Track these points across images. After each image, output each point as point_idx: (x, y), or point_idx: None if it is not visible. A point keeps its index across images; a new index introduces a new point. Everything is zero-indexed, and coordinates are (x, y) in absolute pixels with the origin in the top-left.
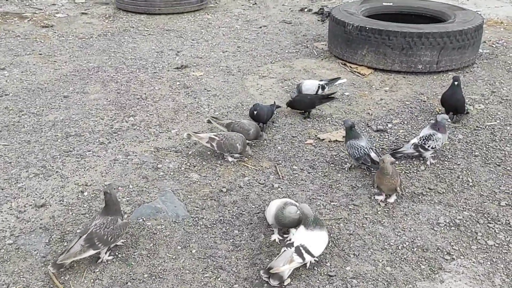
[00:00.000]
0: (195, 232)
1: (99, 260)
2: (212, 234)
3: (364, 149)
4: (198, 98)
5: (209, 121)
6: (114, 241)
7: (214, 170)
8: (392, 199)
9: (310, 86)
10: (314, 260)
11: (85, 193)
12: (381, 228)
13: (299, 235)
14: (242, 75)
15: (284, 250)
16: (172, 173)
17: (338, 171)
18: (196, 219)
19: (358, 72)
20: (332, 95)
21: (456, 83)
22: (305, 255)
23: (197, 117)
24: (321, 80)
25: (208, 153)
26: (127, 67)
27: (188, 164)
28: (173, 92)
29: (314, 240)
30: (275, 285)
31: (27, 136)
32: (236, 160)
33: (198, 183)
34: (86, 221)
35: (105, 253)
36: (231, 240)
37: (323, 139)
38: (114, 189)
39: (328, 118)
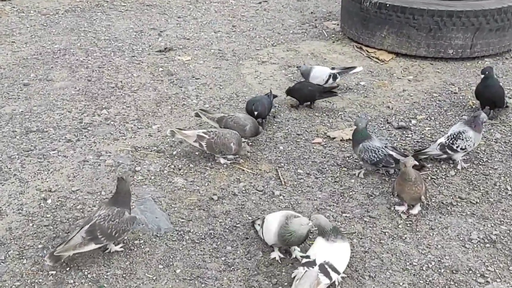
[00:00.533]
0: (180, 248)
1: (107, 251)
2: (200, 250)
3: (382, 150)
4: (184, 87)
5: (197, 115)
6: (119, 236)
7: (203, 174)
8: (415, 210)
9: (319, 74)
10: (341, 278)
11: (49, 201)
12: (402, 245)
13: (319, 250)
14: (238, 60)
15: (305, 271)
16: (153, 177)
17: (351, 176)
18: (181, 232)
19: (376, 58)
20: (335, 91)
21: (484, 75)
22: (332, 273)
23: (183, 110)
24: (333, 68)
25: (196, 153)
26: (99, 49)
27: (172, 166)
28: (155, 80)
29: (338, 254)
30: None
31: None
32: (229, 162)
33: (184, 189)
34: (49, 234)
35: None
36: (222, 258)
37: (334, 138)
38: (130, 176)
39: (340, 113)
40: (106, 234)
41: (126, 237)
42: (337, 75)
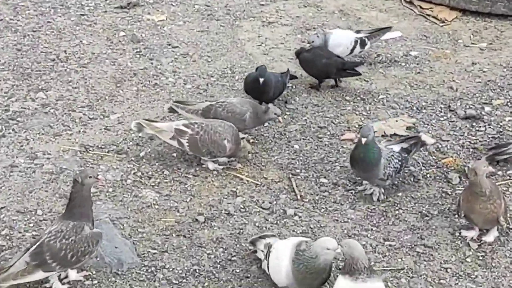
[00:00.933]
0: None
1: (66, 280)
2: None
3: (393, 150)
4: (156, 59)
5: (171, 110)
6: (77, 260)
7: (184, 185)
8: (491, 237)
9: (342, 40)
10: None
11: None
12: (472, 287)
13: None
14: (233, 20)
15: None
16: (111, 190)
17: (398, 187)
18: (153, 269)
19: (434, 17)
20: (358, 69)
21: None
22: None
23: (155, 93)
24: (358, 31)
25: (174, 155)
26: (33, 5)
27: (139, 174)
28: (114, 50)
29: None
30: None
31: None
32: (221, 167)
33: (157, 207)
34: None
35: (61, 276)
36: None
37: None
38: (90, 177)
39: (381, 96)
40: (59, 258)
41: (89, 262)
42: (366, 40)
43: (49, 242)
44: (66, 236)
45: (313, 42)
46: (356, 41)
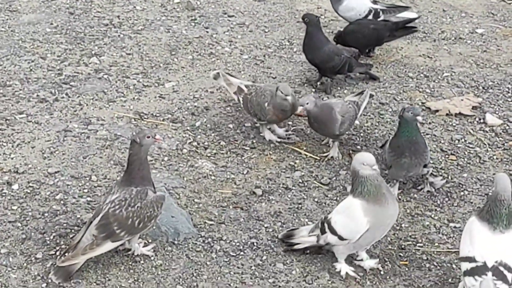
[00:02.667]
0: (208, 263)
1: (131, 251)
2: (238, 267)
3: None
4: (212, 28)
5: (216, 77)
6: (144, 226)
7: (241, 157)
8: None
9: (356, 5)
10: None
11: (15, 186)
12: None
13: (486, 246)
14: None
15: (479, 281)
16: (166, 159)
17: (464, 168)
18: (209, 240)
19: None
20: (414, 24)
21: None
22: (509, 276)
23: (211, 62)
24: (375, 2)
25: (230, 126)
26: None
27: (195, 143)
28: (168, 16)
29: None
30: None
31: None
32: (280, 140)
33: (213, 178)
34: (17, 234)
35: (138, 243)
36: (270, 280)
37: (437, 111)
38: (148, 137)
39: (445, 74)
40: (127, 227)
41: (153, 227)
42: (381, 13)
43: (115, 212)
44: (131, 203)
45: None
46: (370, 11)
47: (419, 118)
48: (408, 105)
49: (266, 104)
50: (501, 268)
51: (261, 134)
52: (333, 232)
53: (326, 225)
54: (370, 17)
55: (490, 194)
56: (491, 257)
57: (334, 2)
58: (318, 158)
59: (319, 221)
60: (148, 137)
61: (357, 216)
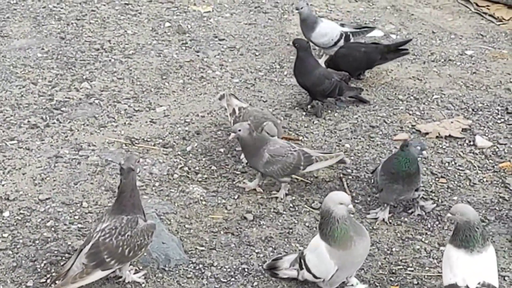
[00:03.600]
0: None
1: (122, 279)
2: None
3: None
4: (203, 52)
5: (221, 97)
6: (134, 255)
7: (232, 182)
8: None
9: (329, 30)
10: None
11: (5, 214)
12: None
13: (466, 270)
14: (282, 13)
15: None
16: (157, 184)
17: (454, 191)
18: (201, 266)
19: (490, 15)
20: (405, 47)
21: None
22: None
23: (201, 86)
24: (343, 25)
25: (221, 150)
26: None
27: (186, 168)
28: (159, 41)
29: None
30: None
31: None
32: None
33: (204, 203)
34: (7, 262)
35: (128, 270)
36: None
37: (427, 133)
38: (138, 162)
39: (435, 96)
40: (117, 255)
41: (144, 255)
42: (351, 36)
43: (105, 241)
44: (121, 232)
45: (302, 8)
46: (341, 35)
47: (425, 153)
48: (413, 138)
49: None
50: None
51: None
52: (308, 270)
53: (302, 261)
54: (341, 41)
55: (459, 223)
56: (473, 280)
57: (306, 31)
58: (309, 182)
59: (298, 254)
60: (137, 161)
61: (324, 258)
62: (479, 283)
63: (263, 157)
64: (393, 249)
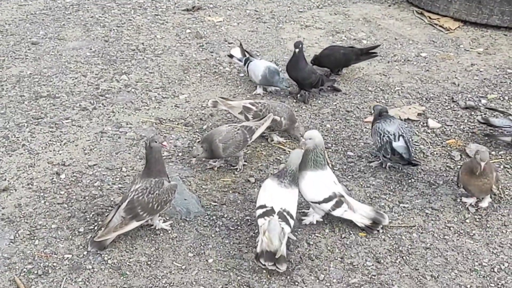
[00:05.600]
0: (213, 236)
1: (153, 226)
2: (236, 239)
3: (388, 136)
4: (215, 52)
5: (214, 104)
6: (161, 208)
7: None
8: (485, 203)
9: (259, 67)
10: None
11: (62, 176)
12: (470, 242)
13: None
14: (277, 23)
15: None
16: (180, 154)
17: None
18: (214, 218)
19: (440, 26)
20: (374, 50)
21: None
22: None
23: (215, 79)
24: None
25: None
26: (118, 6)
27: None
28: (182, 43)
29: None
30: None
31: None
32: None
33: (216, 169)
34: (64, 213)
35: (158, 220)
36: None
37: None
38: (156, 142)
39: (397, 88)
40: (148, 209)
41: (169, 208)
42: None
43: (138, 198)
44: (151, 191)
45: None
46: (273, 72)
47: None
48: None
49: (282, 119)
50: (284, 213)
51: (269, 139)
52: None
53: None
54: (273, 80)
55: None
56: (277, 205)
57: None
58: None
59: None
60: (156, 142)
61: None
62: (281, 208)
63: (218, 147)
64: None
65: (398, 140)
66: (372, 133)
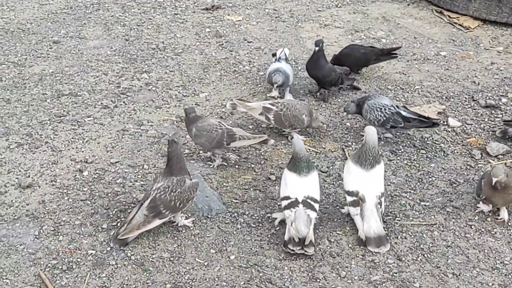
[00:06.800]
0: (234, 232)
1: (176, 223)
2: (257, 236)
3: (390, 108)
4: (235, 51)
5: (233, 106)
6: (184, 206)
7: (258, 151)
8: (505, 215)
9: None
10: None
11: (85, 173)
12: (492, 241)
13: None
14: (296, 22)
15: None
16: (201, 152)
17: (431, 160)
18: (235, 215)
19: (459, 25)
20: (395, 52)
21: None
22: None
23: (234, 78)
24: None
25: (250, 127)
26: (137, 5)
27: None
28: (201, 42)
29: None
30: None
31: (6, 93)
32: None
33: (237, 167)
34: (87, 209)
35: (180, 217)
36: (283, 246)
37: None
38: (182, 137)
39: (416, 87)
40: (170, 207)
41: (191, 206)
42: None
43: (161, 196)
44: (173, 189)
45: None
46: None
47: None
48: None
49: (303, 116)
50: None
51: (289, 138)
52: None
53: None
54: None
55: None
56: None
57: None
58: (318, 151)
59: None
60: (181, 136)
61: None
62: (304, 196)
63: (192, 131)
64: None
65: (400, 109)
66: (368, 111)
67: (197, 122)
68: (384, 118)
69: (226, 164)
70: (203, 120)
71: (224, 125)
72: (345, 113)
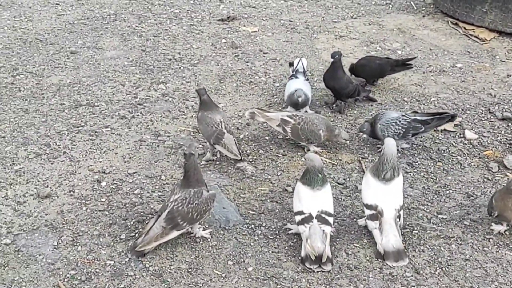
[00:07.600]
0: (252, 244)
1: (193, 234)
2: (275, 247)
3: (403, 118)
4: (251, 62)
5: (252, 115)
6: (201, 217)
7: (275, 162)
8: None
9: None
10: None
11: (103, 183)
12: (510, 254)
13: (308, 201)
14: (312, 33)
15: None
16: (218, 163)
17: (448, 172)
18: (253, 226)
19: (475, 36)
20: (410, 63)
21: None
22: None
23: (251, 89)
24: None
25: (266, 138)
26: (154, 16)
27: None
28: (217, 53)
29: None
30: None
31: (24, 103)
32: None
33: (254, 178)
34: (105, 220)
35: (198, 228)
36: (300, 262)
37: None
38: (197, 148)
39: (433, 99)
40: (187, 219)
41: (208, 217)
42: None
43: (178, 208)
44: (190, 201)
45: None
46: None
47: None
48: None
49: (320, 131)
50: (322, 214)
51: (307, 150)
52: None
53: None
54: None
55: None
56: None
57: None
58: (335, 163)
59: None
60: (197, 148)
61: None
62: (318, 211)
63: (198, 114)
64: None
65: (411, 115)
66: (383, 129)
67: (206, 109)
68: (404, 130)
69: (243, 175)
70: (212, 111)
71: (221, 127)
72: (360, 133)
